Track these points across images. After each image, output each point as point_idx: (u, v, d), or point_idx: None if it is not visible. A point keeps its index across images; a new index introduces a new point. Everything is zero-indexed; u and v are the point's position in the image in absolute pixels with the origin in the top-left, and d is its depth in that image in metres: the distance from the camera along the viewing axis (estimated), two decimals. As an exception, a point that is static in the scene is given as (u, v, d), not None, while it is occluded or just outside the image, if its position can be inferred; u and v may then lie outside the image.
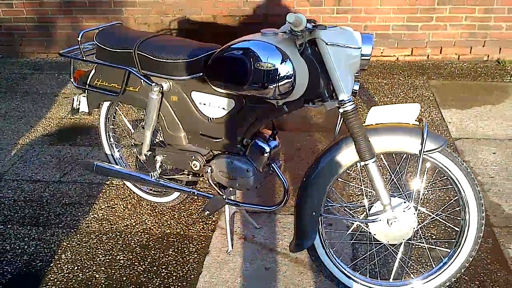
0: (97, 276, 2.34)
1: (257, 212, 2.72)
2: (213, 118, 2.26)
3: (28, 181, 3.13)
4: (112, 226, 2.69)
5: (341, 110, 1.89)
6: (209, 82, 2.13)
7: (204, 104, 2.26)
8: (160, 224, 2.69)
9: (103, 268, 2.39)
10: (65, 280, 2.32)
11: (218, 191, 2.33)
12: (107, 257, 2.46)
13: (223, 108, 2.21)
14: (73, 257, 2.47)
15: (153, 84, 2.29)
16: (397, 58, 5.06)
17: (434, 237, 2.52)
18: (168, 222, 2.70)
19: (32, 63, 5.31)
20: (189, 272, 2.35)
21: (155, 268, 2.38)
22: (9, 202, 2.91)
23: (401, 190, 2.05)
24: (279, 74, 1.90)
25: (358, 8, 4.85)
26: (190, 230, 2.63)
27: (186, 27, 5.11)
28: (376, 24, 4.92)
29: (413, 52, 5.03)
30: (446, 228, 2.56)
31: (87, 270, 2.38)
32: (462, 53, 4.95)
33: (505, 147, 3.33)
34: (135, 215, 2.77)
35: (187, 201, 2.85)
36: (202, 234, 2.60)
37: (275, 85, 1.92)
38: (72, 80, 2.59)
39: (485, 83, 4.41)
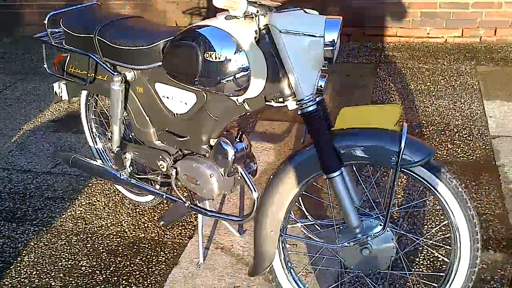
0: (52, 283, 2.13)
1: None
2: (177, 114, 1.97)
3: (19, 171, 2.98)
4: (86, 226, 2.48)
5: (299, 112, 1.54)
6: (166, 72, 1.85)
7: (167, 97, 1.97)
8: (137, 227, 2.44)
9: (61, 275, 2.18)
10: (19, 286, 2.14)
11: (181, 197, 2.04)
12: (69, 262, 2.25)
13: (185, 103, 1.91)
14: (36, 259, 2.28)
15: (115, 73, 2.03)
16: (446, 39, 4.52)
17: (420, 267, 2.06)
18: (145, 225, 2.45)
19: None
20: (150, 285, 2.09)
21: (115, 278, 2.14)
22: (-6, 194, 2.78)
23: (376, 209, 1.66)
24: (232, 66, 1.59)
25: (400, -16, 4.37)
26: (166, 236, 2.37)
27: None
28: (421, 1, 4.41)
29: (463, 33, 4.46)
30: (435, 257, 2.11)
31: (45, 276, 2.18)
32: (521, 35, 4.35)
33: (552, 148, 2.82)
34: (113, 214, 2.55)
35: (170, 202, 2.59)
36: (178, 240, 2.33)
37: (228, 78, 1.61)
38: (45, 66, 2.38)
39: (543, 70, 3.83)
